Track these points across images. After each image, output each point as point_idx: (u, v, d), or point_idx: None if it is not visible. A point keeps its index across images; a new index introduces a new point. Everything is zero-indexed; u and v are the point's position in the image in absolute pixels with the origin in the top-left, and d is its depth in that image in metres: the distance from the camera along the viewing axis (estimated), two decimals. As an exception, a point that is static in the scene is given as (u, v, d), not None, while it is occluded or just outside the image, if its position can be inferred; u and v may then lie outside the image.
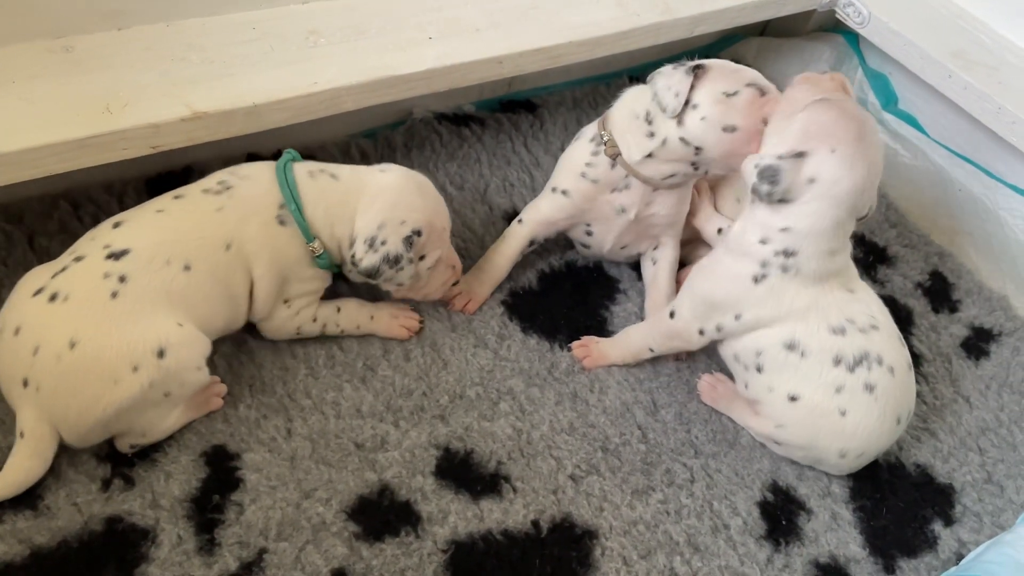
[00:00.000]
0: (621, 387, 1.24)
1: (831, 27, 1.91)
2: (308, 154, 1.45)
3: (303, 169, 1.12)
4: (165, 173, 1.37)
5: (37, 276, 1.00)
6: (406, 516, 1.06)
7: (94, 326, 0.95)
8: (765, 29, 1.94)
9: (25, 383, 0.95)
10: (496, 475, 1.12)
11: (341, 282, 1.24)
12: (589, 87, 1.72)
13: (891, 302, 1.44)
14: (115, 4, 1.21)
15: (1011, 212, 1.58)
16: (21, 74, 1.11)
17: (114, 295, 0.97)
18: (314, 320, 1.17)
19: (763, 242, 1.07)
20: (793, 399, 1.10)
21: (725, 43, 1.90)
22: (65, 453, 1.04)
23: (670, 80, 1.14)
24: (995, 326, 1.42)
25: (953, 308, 1.44)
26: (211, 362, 1.16)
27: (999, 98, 1.46)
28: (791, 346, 1.09)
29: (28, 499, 0.99)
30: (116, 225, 1.04)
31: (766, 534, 1.12)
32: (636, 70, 1.79)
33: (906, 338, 1.38)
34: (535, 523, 1.08)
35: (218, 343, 1.18)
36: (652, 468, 1.16)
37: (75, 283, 0.98)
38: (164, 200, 1.08)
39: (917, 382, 1.32)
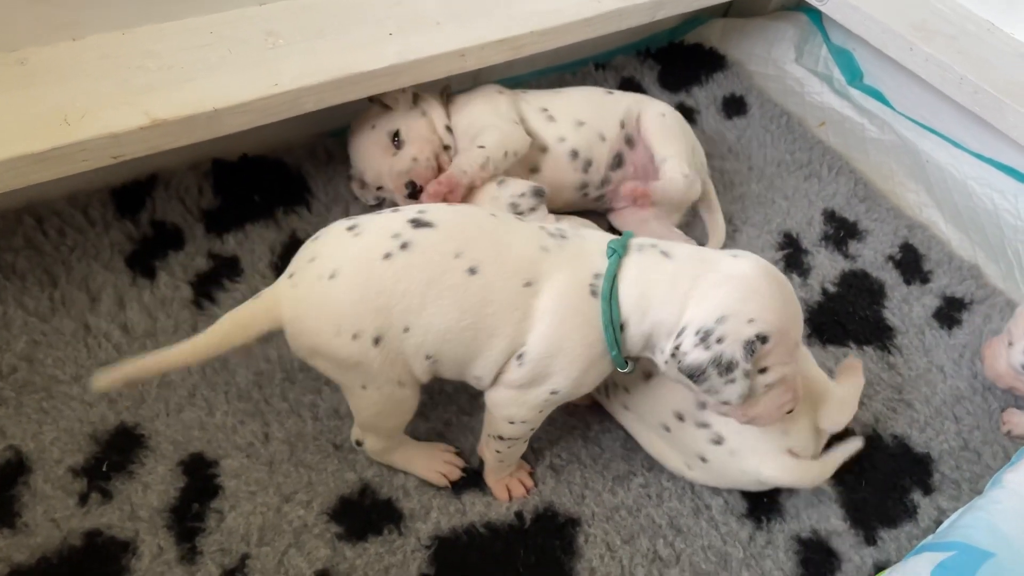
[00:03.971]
0: (598, 374, 1.25)
1: (793, 6, 1.92)
2: (274, 157, 1.45)
3: (635, 242, 0.98)
4: (131, 183, 1.35)
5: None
6: (388, 514, 1.06)
7: (354, 275, 0.92)
8: (728, 10, 1.94)
9: (292, 275, 0.96)
10: (478, 469, 1.12)
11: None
12: (555, 76, 1.72)
13: (863, 276, 1.45)
14: (69, 15, 1.19)
15: (978, 181, 1.59)
16: (-25, 89, 1.10)
17: (386, 256, 0.91)
18: (532, 430, 1.03)
19: None
20: None
21: (689, 26, 1.90)
22: (40, 469, 1.03)
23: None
24: (966, 295, 1.44)
25: (924, 279, 1.46)
26: (185, 368, 1.16)
27: (960, 68, 1.47)
28: None
29: (5, 517, 0.98)
30: (450, 204, 1.02)
31: (747, 512, 1.13)
32: (601, 57, 1.79)
33: (878, 311, 1.40)
34: (518, 514, 1.09)
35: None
36: (632, 454, 1.17)
37: (372, 226, 0.95)
38: (501, 212, 1.05)
39: (891, 353, 1.34)
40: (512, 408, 0.98)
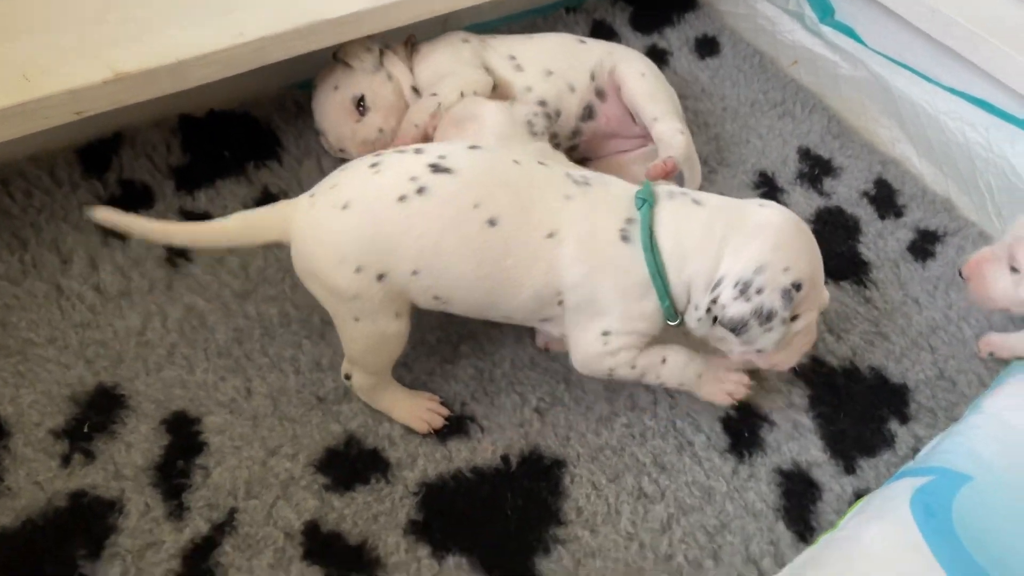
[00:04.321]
0: (579, 319, 1.25)
1: (765, -58, 1.89)
2: (242, 111, 1.42)
3: (663, 189, 0.98)
4: (96, 142, 1.32)
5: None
6: (375, 463, 1.07)
7: (365, 211, 0.92)
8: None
9: (312, 196, 0.96)
10: (462, 416, 1.13)
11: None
12: (526, 21, 1.69)
13: (838, 212, 1.46)
14: (23, -32, 1.15)
15: (950, 115, 1.59)
16: (-73, 47, 1.07)
17: (401, 198, 0.91)
18: (632, 367, 1.01)
19: None
20: None
21: (660, -34, 1.87)
22: (20, 433, 1.02)
23: None
24: (939, 227, 1.45)
25: (899, 213, 1.47)
26: (162, 327, 1.15)
27: (932, 1, 1.46)
28: None
29: (-13, 482, 0.98)
30: (472, 147, 0.97)
31: (730, 447, 1.15)
32: (573, 0, 1.76)
33: (854, 246, 1.41)
34: (504, 458, 1.09)
35: (168, 307, 1.17)
36: (615, 395, 1.17)
37: (393, 165, 0.94)
38: (527, 157, 0.99)
39: (867, 287, 1.35)
40: (592, 361, 1.00)
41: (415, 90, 1.32)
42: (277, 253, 1.25)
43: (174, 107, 1.36)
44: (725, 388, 1.07)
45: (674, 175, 1.31)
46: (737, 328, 0.92)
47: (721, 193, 1.43)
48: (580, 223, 0.94)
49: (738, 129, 1.57)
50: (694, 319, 0.97)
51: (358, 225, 0.92)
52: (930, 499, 0.96)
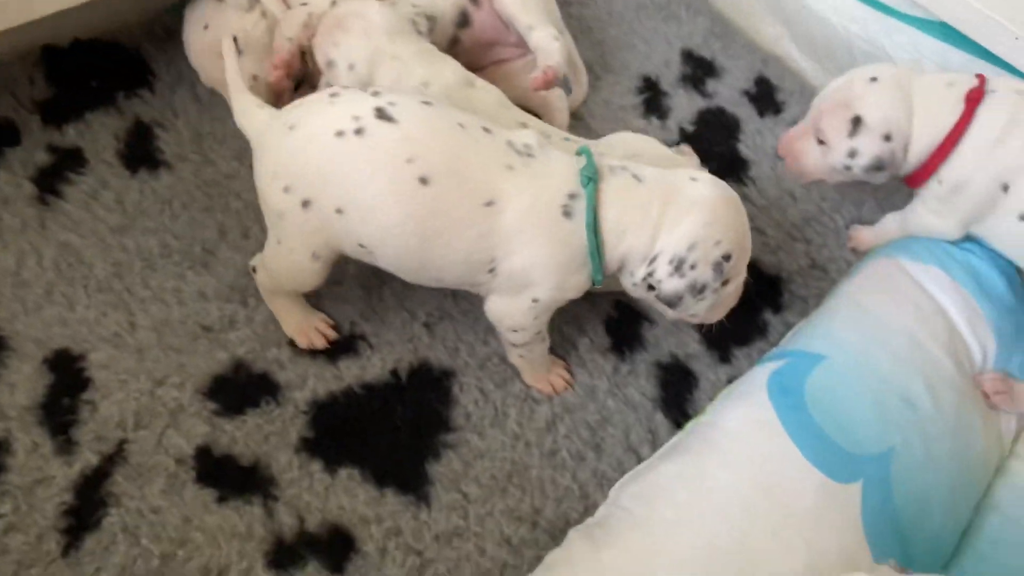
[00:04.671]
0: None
1: None
2: (109, 39, 1.37)
3: (605, 165, 0.99)
4: (-48, 78, 1.27)
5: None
6: (264, 387, 1.09)
7: (306, 137, 0.94)
8: None
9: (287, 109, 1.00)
10: (351, 335, 1.15)
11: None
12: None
13: (719, 113, 1.49)
14: None
15: (835, 9, 1.62)
16: None
17: (338, 134, 0.92)
18: (537, 332, 1.06)
19: None
20: None
21: None
22: None
23: None
24: (818, 123, 1.49)
25: (778, 110, 1.50)
26: (38, 266, 1.13)
27: None
28: None
29: None
30: (424, 102, 0.97)
31: (611, 347, 1.20)
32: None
33: (733, 145, 1.45)
34: (394, 372, 1.13)
35: (42, 245, 1.15)
36: (501, 304, 1.21)
37: (345, 100, 0.96)
38: (472, 121, 0.97)
39: (745, 185, 1.40)
40: (507, 318, 1.03)
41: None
42: (153, 184, 1.23)
43: (35, 38, 1.30)
44: (554, 382, 1.15)
45: (556, 83, 1.31)
46: (673, 302, 0.99)
47: (606, 102, 1.47)
48: (522, 195, 0.94)
49: (623, 34, 1.57)
50: (629, 283, 1.02)
51: (296, 148, 0.95)
52: (785, 380, 1.03)
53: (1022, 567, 0.98)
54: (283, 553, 0.97)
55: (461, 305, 1.20)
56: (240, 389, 1.08)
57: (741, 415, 1.01)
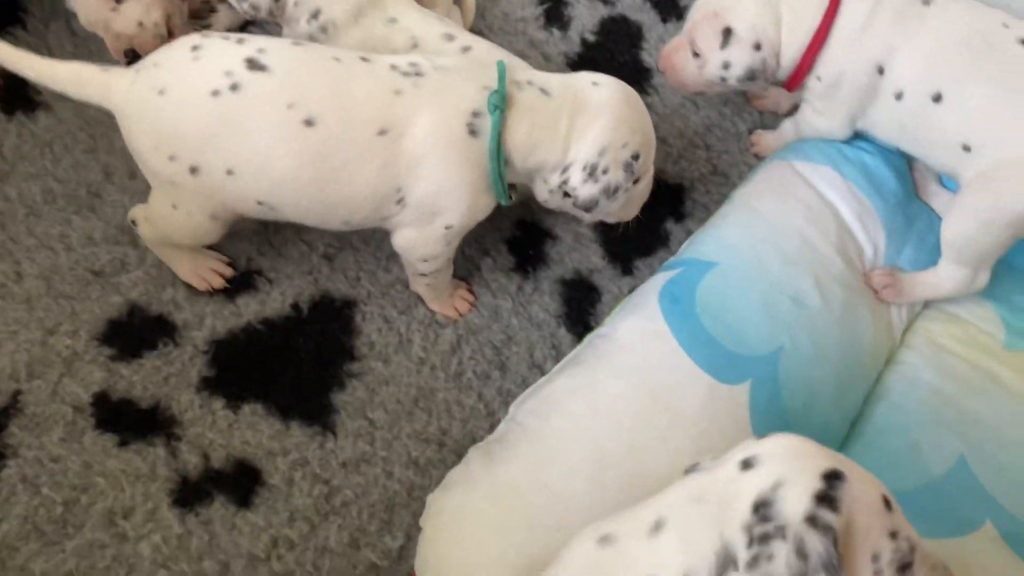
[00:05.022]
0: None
1: None
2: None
3: (512, 80, 0.96)
4: None
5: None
6: (161, 329, 1.08)
7: (180, 101, 0.90)
8: None
9: (138, 71, 0.93)
10: (248, 271, 1.14)
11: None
12: None
13: (622, 21, 1.46)
14: None
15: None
16: None
17: (214, 93, 0.89)
18: (448, 259, 1.06)
19: None
20: None
21: None
22: None
23: None
24: (722, 26, 1.47)
25: (680, 15, 1.48)
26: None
27: None
28: None
29: None
30: (294, 43, 0.95)
31: (515, 266, 1.20)
32: None
33: (636, 54, 1.43)
34: (295, 306, 1.12)
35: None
36: (402, 230, 1.20)
37: (212, 55, 0.91)
38: (347, 54, 0.95)
39: (648, 94, 1.39)
40: (418, 248, 1.02)
41: None
42: (32, 127, 1.18)
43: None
44: (458, 305, 1.15)
45: None
46: (589, 207, 1.00)
47: (505, 14, 1.43)
48: (419, 117, 0.92)
49: (522, -58, 1.52)
50: (544, 192, 1.03)
51: (172, 114, 0.90)
52: (677, 289, 1.05)
53: (906, 450, 1.03)
54: (188, 491, 0.98)
55: (361, 233, 1.19)
56: (136, 333, 1.07)
57: (633, 326, 1.02)
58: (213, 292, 1.11)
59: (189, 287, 1.10)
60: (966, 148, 1.05)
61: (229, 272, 1.12)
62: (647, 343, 1.00)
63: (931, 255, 1.14)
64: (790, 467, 0.54)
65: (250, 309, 1.11)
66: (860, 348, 1.09)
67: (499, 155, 0.95)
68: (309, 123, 0.90)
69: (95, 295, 1.08)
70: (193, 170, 0.91)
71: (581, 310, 1.18)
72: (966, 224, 1.06)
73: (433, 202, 0.97)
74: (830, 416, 1.04)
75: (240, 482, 1.00)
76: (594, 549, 0.60)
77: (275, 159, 0.91)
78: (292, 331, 1.11)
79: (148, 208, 1.02)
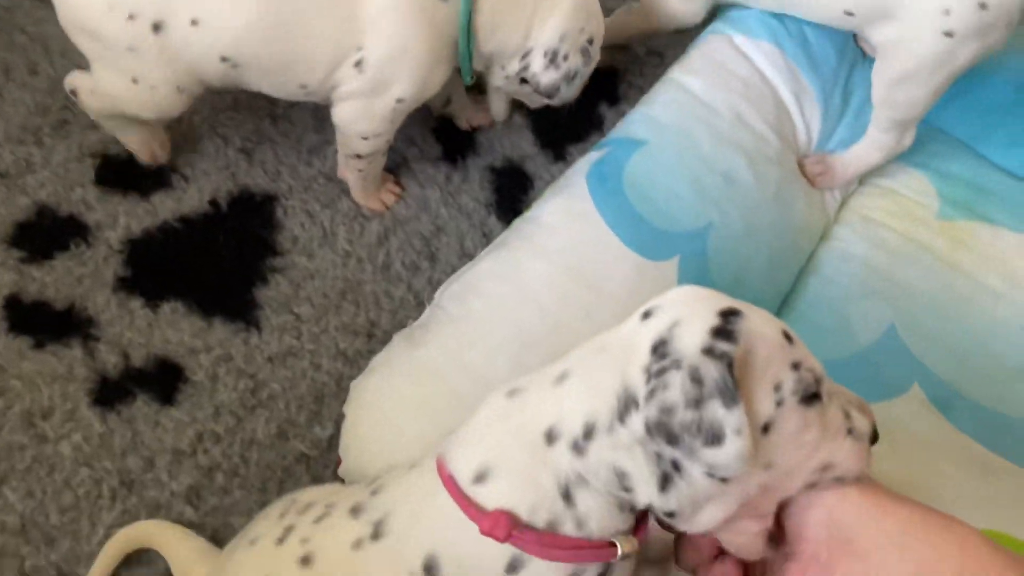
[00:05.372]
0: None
1: None
2: None
3: None
4: None
5: None
6: (73, 229, 1.04)
7: None
8: None
9: None
10: (162, 168, 1.09)
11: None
12: None
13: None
14: None
15: None
16: None
17: None
18: (387, 141, 1.01)
19: None
20: None
21: None
22: None
23: None
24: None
25: None
26: None
27: None
28: None
29: None
30: None
31: (442, 155, 1.17)
32: None
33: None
34: (212, 202, 1.09)
35: None
36: (324, 124, 1.15)
37: None
38: None
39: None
40: (362, 123, 0.97)
41: None
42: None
43: None
44: (384, 198, 1.12)
45: None
46: (552, 93, 1.01)
47: None
48: None
49: None
50: (500, 78, 1.02)
51: None
52: (605, 168, 1.02)
53: (837, 322, 1.02)
54: (108, 390, 0.96)
55: (281, 126, 1.15)
56: (46, 234, 1.03)
57: (558, 206, 0.99)
58: (126, 189, 1.07)
59: (100, 186, 1.06)
60: (848, 14, 1.01)
61: (168, 150, 1.08)
62: (572, 223, 0.97)
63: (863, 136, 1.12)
64: (688, 308, 0.52)
65: (166, 207, 1.07)
66: (792, 225, 1.07)
67: (469, 29, 0.92)
68: None
69: (1, 197, 1.04)
70: (156, 27, 0.85)
71: (512, 197, 1.15)
72: (882, 87, 1.03)
73: (390, 67, 0.92)
74: (761, 290, 1.02)
75: (162, 380, 0.98)
76: (503, 400, 0.59)
77: (238, 1, 0.85)
78: (211, 228, 1.07)
79: (95, 83, 0.94)
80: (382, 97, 0.95)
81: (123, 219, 1.05)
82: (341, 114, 0.97)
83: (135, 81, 0.90)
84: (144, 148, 1.06)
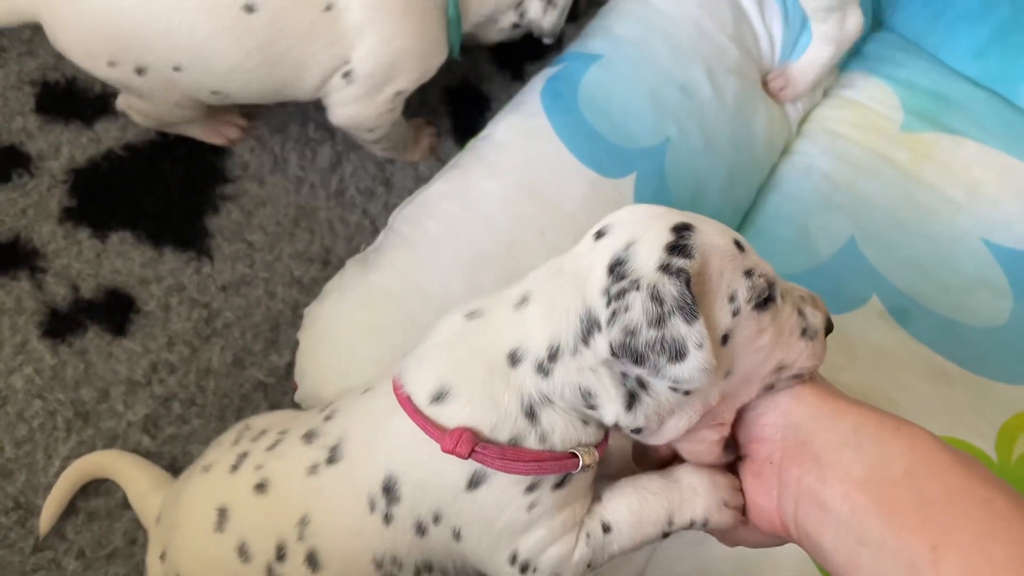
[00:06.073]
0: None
1: None
2: None
3: None
4: None
5: None
6: (14, 160, 1.01)
7: (105, 1, 0.81)
8: None
9: None
10: (104, 95, 1.06)
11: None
12: None
13: None
14: None
15: None
16: None
17: None
18: (393, 123, 0.98)
19: None
20: None
21: None
22: None
23: None
24: None
25: None
26: None
27: None
28: None
29: None
30: None
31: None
32: None
33: None
34: (160, 132, 1.06)
35: None
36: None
37: None
38: None
39: None
40: (363, 120, 0.95)
41: None
42: None
43: None
44: (422, 144, 1.11)
45: None
46: (555, 32, 1.02)
47: None
48: None
49: None
50: (493, 33, 1.01)
51: (97, 14, 0.81)
52: (560, 84, 0.99)
53: (797, 235, 1.02)
54: (59, 322, 0.95)
55: (228, 50, 1.11)
56: (-14, 166, 1.00)
57: (512, 124, 0.97)
58: (68, 118, 1.04)
59: (41, 115, 1.03)
60: None
61: (244, 122, 1.06)
62: (526, 141, 0.95)
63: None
64: (640, 226, 0.52)
65: (110, 135, 1.04)
66: (753, 139, 1.05)
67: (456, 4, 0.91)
68: (249, 9, 0.81)
69: (-65, 129, 1.01)
70: (139, 71, 0.85)
71: (469, 120, 1.13)
72: None
73: (387, 69, 0.90)
74: (721, 205, 1.01)
75: (113, 310, 0.96)
76: (461, 322, 0.58)
77: (221, 50, 0.83)
78: (157, 156, 1.04)
79: (127, 103, 0.97)
80: (379, 94, 0.93)
81: (66, 148, 1.02)
82: (338, 119, 0.95)
83: (141, 97, 0.91)
84: (214, 135, 1.05)
